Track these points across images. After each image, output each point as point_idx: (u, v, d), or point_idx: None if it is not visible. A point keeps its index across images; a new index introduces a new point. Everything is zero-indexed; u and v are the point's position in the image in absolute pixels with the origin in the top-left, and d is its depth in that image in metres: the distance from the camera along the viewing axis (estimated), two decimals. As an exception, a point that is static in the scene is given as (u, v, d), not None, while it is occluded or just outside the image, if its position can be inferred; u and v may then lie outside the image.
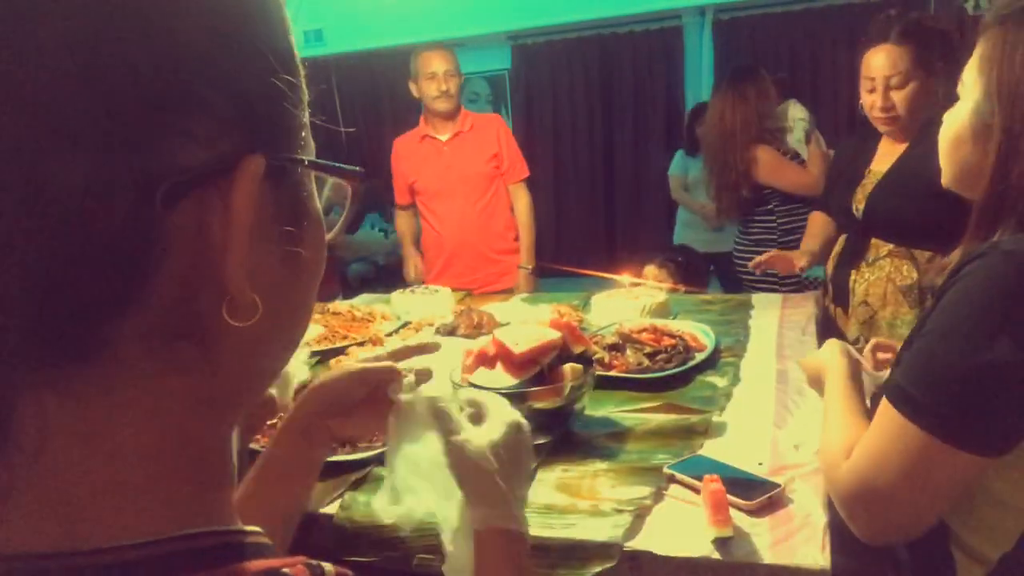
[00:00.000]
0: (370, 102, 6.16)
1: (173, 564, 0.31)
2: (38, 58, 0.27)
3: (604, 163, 5.45)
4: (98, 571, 0.30)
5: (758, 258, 2.24)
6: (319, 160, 0.39)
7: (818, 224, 2.30)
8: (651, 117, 5.31)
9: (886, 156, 2.01)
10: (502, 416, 0.69)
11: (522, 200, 2.85)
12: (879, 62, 1.93)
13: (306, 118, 0.39)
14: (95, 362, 0.30)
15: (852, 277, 2.02)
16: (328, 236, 0.44)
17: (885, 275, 1.95)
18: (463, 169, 2.73)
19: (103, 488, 0.31)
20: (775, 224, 2.78)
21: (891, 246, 1.95)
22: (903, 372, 0.79)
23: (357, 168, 0.41)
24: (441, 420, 0.67)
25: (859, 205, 2.01)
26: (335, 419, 0.73)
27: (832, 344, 1.11)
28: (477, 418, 0.70)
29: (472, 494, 0.65)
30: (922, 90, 1.91)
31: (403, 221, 3.00)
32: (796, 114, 3.07)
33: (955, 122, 0.88)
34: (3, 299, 0.28)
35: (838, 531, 0.93)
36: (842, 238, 2.15)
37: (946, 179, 0.93)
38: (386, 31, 5.18)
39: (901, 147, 1.99)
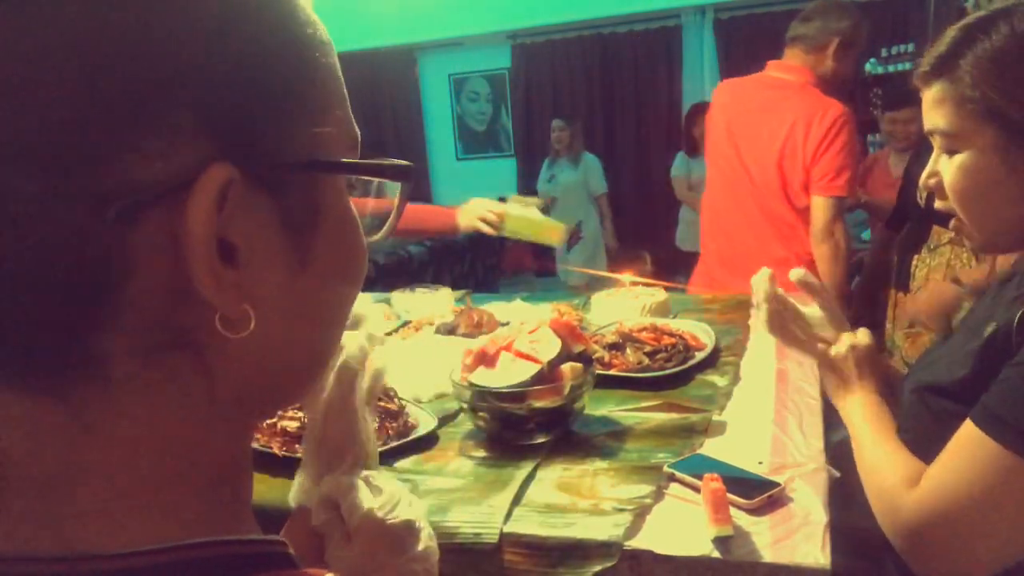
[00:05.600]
0: (370, 102, 6.15)
1: (170, 574, 0.30)
2: None
3: (603, 161, 5.45)
4: None
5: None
6: (328, 159, 0.36)
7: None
8: (650, 116, 5.31)
9: None
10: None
11: None
12: None
13: (334, 111, 0.36)
14: (87, 375, 0.30)
15: (914, 262, 2.05)
16: (376, 237, 0.41)
17: (945, 261, 1.95)
18: None
19: (100, 496, 0.31)
20: None
21: (952, 234, 1.92)
22: (997, 399, 0.77)
23: (400, 163, 0.37)
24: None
25: (923, 193, 1.97)
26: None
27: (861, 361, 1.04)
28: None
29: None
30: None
31: None
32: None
33: (973, 173, 0.84)
34: None
35: (838, 531, 0.93)
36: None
37: (984, 236, 0.88)
38: (386, 31, 5.18)
39: None
